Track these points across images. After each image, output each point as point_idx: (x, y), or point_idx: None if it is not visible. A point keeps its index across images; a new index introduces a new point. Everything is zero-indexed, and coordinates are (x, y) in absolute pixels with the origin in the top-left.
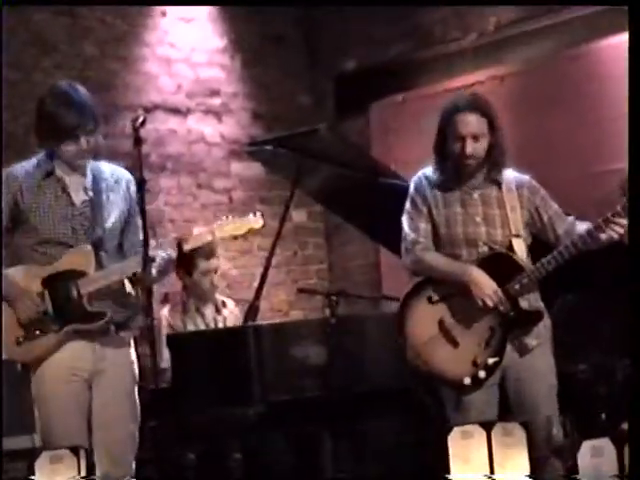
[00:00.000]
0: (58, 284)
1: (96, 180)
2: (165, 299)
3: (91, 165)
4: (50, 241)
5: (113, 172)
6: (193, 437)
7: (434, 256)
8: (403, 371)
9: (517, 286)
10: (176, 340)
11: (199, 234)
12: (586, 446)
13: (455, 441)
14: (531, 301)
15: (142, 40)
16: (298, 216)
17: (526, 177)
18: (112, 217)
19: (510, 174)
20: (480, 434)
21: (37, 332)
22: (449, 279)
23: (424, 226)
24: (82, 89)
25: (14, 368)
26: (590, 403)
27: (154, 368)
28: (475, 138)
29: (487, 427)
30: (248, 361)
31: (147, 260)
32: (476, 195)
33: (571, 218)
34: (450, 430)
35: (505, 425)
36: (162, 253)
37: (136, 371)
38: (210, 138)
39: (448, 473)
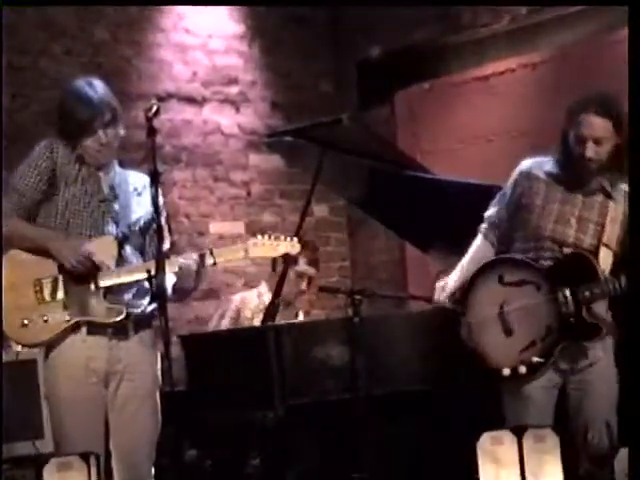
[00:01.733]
0: (77, 272)
1: (122, 182)
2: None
3: (117, 170)
4: (75, 225)
5: (140, 177)
6: (210, 442)
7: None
8: (429, 372)
9: (587, 293)
10: (192, 341)
11: (231, 249)
12: (624, 452)
13: (484, 447)
14: (597, 315)
15: (156, 25)
16: (319, 210)
17: None
18: (137, 216)
19: (624, 186)
20: (511, 440)
21: (45, 319)
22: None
23: (502, 214)
24: (99, 83)
25: (17, 371)
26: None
27: (169, 370)
28: (597, 142)
29: (518, 433)
30: (268, 362)
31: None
32: (580, 196)
33: None
34: (479, 436)
35: (537, 431)
36: (188, 261)
37: (157, 373)
38: (227, 129)
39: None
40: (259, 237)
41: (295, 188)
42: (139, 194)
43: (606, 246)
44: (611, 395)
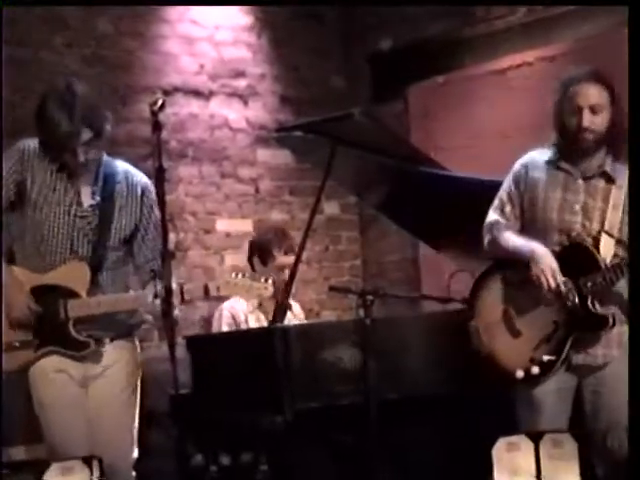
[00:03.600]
0: (46, 298)
1: (107, 184)
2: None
3: (105, 163)
4: (48, 242)
5: (128, 175)
6: (215, 447)
7: (507, 235)
8: (443, 376)
9: (589, 283)
10: (197, 342)
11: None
12: None
13: (500, 453)
14: (604, 306)
15: (161, 16)
16: (330, 208)
17: None
18: (119, 230)
19: (626, 170)
20: (527, 445)
21: (17, 344)
22: (516, 258)
23: (509, 209)
24: (82, 89)
25: (13, 376)
26: None
27: (173, 372)
28: (593, 110)
29: (535, 438)
30: (276, 365)
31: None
32: (581, 181)
33: None
34: (495, 441)
35: (554, 436)
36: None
37: (136, 375)
38: (235, 123)
39: None
40: (233, 276)
41: (305, 185)
42: (123, 196)
43: (607, 233)
44: (626, 397)
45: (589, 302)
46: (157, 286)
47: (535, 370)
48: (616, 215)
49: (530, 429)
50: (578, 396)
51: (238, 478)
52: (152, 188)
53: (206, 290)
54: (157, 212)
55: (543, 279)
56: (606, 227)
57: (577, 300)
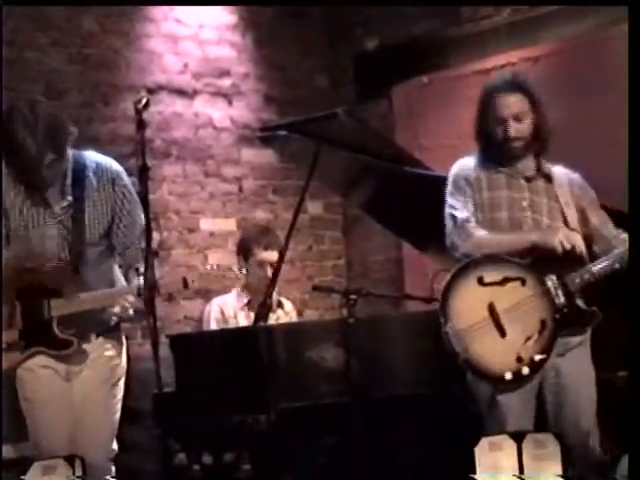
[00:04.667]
0: (30, 300)
1: (77, 181)
2: (170, 296)
3: (73, 157)
4: (28, 249)
5: (98, 165)
6: (198, 446)
7: (494, 235)
8: (427, 375)
9: (577, 279)
10: (181, 341)
11: None
12: (624, 462)
13: (483, 452)
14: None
15: (146, 15)
16: (314, 207)
17: (576, 175)
18: (95, 224)
19: (561, 170)
20: (510, 446)
21: (5, 345)
22: (529, 248)
23: (471, 207)
24: (45, 109)
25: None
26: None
27: (157, 371)
28: (517, 119)
29: (518, 438)
30: (259, 365)
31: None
32: (522, 182)
33: (615, 233)
34: (477, 440)
35: (537, 436)
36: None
37: (120, 370)
38: (219, 122)
39: None
40: (208, 267)
41: (289, 184)
42: (95, 189)
43: (574, 230)
44: (590, 391)
45: (576, 298)
46: (140, 284)
47: (525, 371)
48: (572, 212)
49: (494, 431)
50: (540, 394)
51: (221, 477)
52: (124, 175)
53: (185, 283)
54: (133, 198)
55: (564, 243)
56: (571, 225)
57: (565, 298)
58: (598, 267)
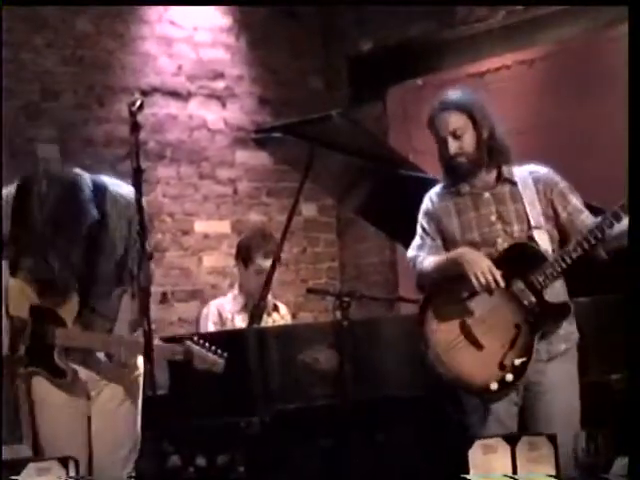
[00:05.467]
0: (39, 320)
1: (98, 211)
2: (164, 298)
3: (94, 186)
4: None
5: (118, 194)
6: (192, 448)
7: (431, 259)
8: (420, 378)
9: (541, 277)
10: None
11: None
12: (619, 464)
13: (476, 455)
14: (558, 295)
15: (140, 17)
16: (308, 210)
17: (544, 170)
18: (112, 254)
19: (526, 169)
20: (504, 448)
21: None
22: (449, 271)
23: (429, 242)
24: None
25: None
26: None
27: (150, 373)
28: (455, 136)
29: (511, 441)
30: (253, 367)
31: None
32: (487, 195)
33: (589, 217)
34: (471, 443)
35: (531, 439)
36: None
37: (137, 381)
38: (213, 124)
39: None
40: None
41: (283, 186)
42: (112, 217)
43: (537, 228)
44: (570, 399)
45: (545, 295)
46: (134, 286)
47: (509, 377)
48: (536, 210)
49: (480, 435)
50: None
51: (215, 479)
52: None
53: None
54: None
55: (481, 277)
56: (533, 223)
57: (534, 297)
58: (558, 257)
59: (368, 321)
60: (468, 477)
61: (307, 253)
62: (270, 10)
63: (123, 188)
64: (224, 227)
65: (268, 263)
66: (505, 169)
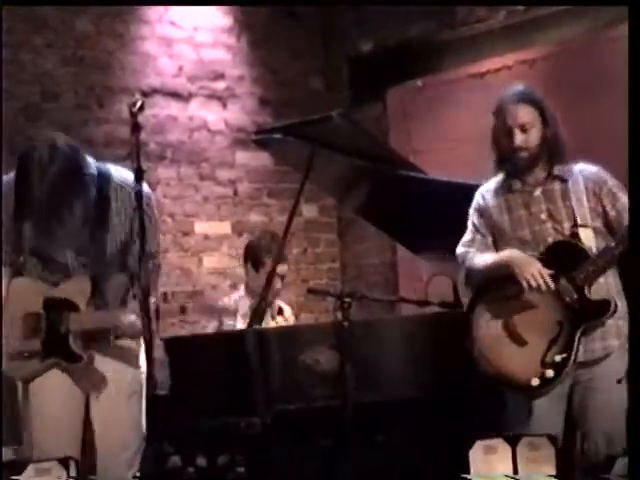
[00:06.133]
0: (54, 311)
1: (102, 193)
2: (164, 299)
3: (98, 170)
4: (50, 260)
5: (123, 181)
6: (192, 449)
7: (481, 257)
8: (421, 378)
9: (582, 275)
10: (176, 344)
11: None
12: (619, 464)
13: (477, 456)
14: (603, 291)
15: (140, 17)
16: (309, 211)
17: (594, 169)
18: (116, 238)
19: (577, 167)
20: (504, 449)
21: (26, 354)
22: (497, 271)
23: (479, 238)
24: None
25: None
26: None
27: (151, 373)
28: (523, 129)
29: (512, 442)
30: (253, 368)
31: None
32: (538, 192)
33: None
34: (472, 444)
35: (532, 439)
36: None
37: (140, 380)
38: (213, 125)
39: None
40: None
41: (284, 187)
42: (118, 202)
43: (582, 226)
44: (616, 399)
45: (586, 292)
46: (136, 288)
47: (550, 373)
48: (583, 209)
49: (525, 433)
50: (570, 396)
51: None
52: (147, 198)
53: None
54: (151, 225)
55: (532, 281)
56: (579, 221)
57: (575, 294)
58: (601, 254)
59: (369, 322)
60: (469, 477)
61: (308, 253)
62: (271, 10)
63: (127, 175)
64: (224, 228)
65: (281, 268)
66: (556, 167)
